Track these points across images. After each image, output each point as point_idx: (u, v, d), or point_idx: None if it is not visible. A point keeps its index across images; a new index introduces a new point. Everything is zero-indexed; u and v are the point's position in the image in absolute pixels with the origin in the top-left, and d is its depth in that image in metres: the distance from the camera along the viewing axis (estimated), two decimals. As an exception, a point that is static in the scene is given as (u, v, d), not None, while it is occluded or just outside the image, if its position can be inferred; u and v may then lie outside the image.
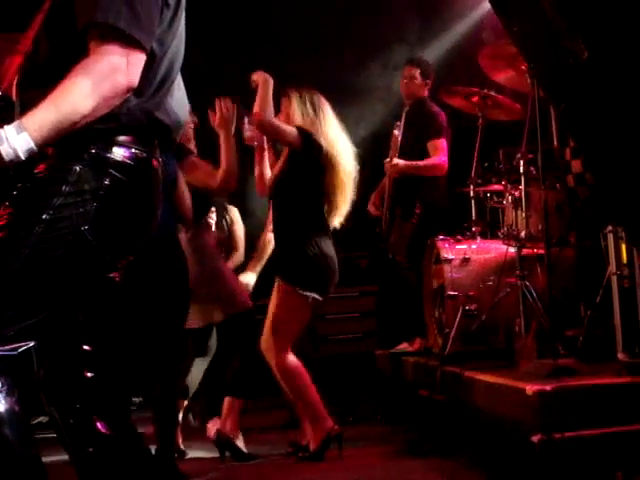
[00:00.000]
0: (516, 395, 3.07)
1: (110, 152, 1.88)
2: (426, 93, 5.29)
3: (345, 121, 4.21)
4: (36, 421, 3.83)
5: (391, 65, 6.15)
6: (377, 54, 5.68)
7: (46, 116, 1.76)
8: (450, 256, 4.49)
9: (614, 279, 3.35)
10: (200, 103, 3.60)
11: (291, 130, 4.01)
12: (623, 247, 3.29)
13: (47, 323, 1.87)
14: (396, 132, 5.11)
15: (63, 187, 1.83)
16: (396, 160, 5.07)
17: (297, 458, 3.99)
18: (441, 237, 4.59)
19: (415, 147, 5.12)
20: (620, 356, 3.26)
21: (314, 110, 4.10)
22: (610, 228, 3.38)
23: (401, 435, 4.12)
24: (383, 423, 4.65)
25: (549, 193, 3.95)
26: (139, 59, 1.83)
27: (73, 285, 1.91)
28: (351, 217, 4.23)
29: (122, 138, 1.89)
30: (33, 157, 1.79)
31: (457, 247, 4.54)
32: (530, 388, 2.95)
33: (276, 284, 4.03)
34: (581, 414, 2.88)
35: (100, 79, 1.77)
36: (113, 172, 1.87)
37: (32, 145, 1.74)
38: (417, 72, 5.26)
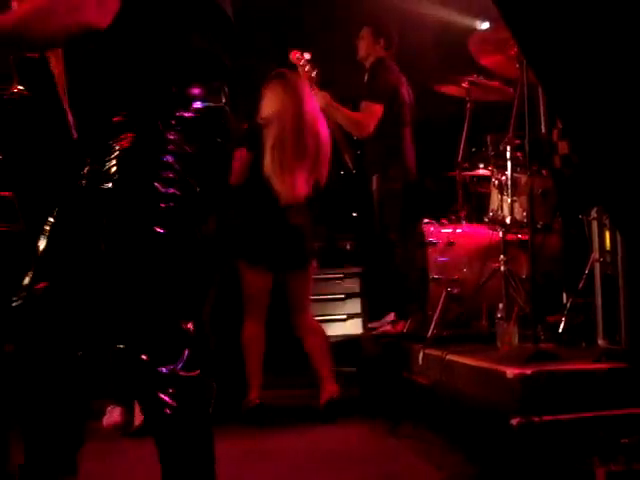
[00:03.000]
0: (497, 378, 3.10)
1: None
2: (382, 53, 5.22)
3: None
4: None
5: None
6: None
7: None
8: (435, 240, 4.51)
9: (597, 266, 3.38)
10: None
11: None
12: (607, 234, 3.32)
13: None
14: (305, 67, 4.89)
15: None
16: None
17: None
18: (426, 220, 4.61)
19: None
20: (600, 342, 3.29)
21: None
22: (594, 215, 3.40)
23: (382, 416, 4.14)
24: (365, 404, 4.68)
25: (535, 179, 3.97)
26: None
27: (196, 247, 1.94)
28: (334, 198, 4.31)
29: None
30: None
31: (442, 231, 4.56)
32: (511, 371, 2.99)
33: None
34: (560, 398, 2.91)
35: None
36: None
37: None
38: (369, 31, 5.25)
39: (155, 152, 1.84)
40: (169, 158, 1.83)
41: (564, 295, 3.93)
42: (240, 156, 4.20)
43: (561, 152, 3.99)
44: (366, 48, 5.25)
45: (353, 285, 6.24)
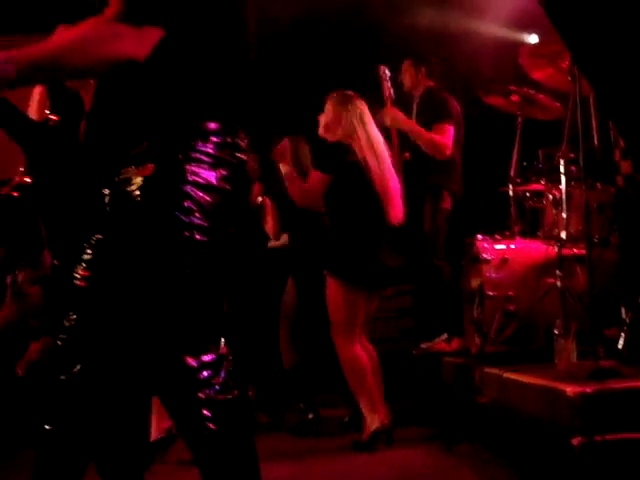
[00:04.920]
0: (556, 396, 3.05)
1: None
2: (427, 81, 5.27)
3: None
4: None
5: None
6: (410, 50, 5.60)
7: None
8: (489, 256, 4.46)
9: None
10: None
11: None
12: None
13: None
14: (387, 83, 5.03)
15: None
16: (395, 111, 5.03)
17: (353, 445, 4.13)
18: (480, 236, 4.56)
19: None
20: (662, 359, 3.22)
21: None
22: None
23: (439, 435, 4.10)
24: (415, 422, 4.65)
25: (590, 193, 3.91)
26: None
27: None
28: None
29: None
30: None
31: (496, 247, 4.50)
32: (571, 390, 2.93)
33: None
34: (623, 417, 2.84)
35: None
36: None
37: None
38: (409, 63, 5.29)
39: (176, 182, 1.88)
40: (189, 188, 1.88)
41: (622, 310, 3.85)
42: (316, 178, 4.23)
43: (624, 172, 3.91)
44: (410, 79, 5.31)
45: (405, 302, 6.20)
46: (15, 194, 3.97)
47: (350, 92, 4.43)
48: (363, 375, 4.18)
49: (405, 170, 5.25)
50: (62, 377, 1.91)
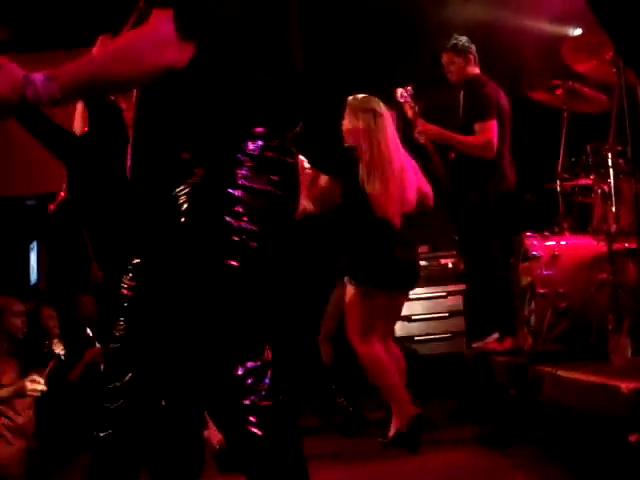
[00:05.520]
0: (611, 394, 2.99)
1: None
2: (475, 70, 5.14)
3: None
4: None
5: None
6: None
7: None
8: (539, 253, 4.40)
9: None
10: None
11: None
12: None
13: None
14: (406, 99, 5.06)
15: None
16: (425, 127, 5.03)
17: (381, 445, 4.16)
18: (529, 234, 4.51)
19: (469, 133, 5.01)
20: None
21: None
22: None
23: (492, 435, 4.07)
24: (467, 422, 4.62)
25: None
26: None
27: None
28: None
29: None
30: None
31: (546, 244, 4.44)
32: (626, 386, 2.87)
33: None
34: (680, 412, 2.79)
35: None
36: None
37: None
38: (451, 54, 5.16)
39: (224, 187, 1.87)
40: (238, 192, 1.87)
41: (677, 304, 3.78)
42: (331, 184, 4.26)
43: None
44: (457, 71, 5.16)
45: (457, 303, 6.18)
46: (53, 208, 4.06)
47: (368, 96, 4.45)
48: (383, 371, 4.24)
49: (450, 170, 5.22)
50: (114, 385, 1.94)
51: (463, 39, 5.17)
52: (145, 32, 1.79)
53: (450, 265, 6.42)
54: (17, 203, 7.63)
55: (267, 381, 1.88)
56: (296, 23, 2.05)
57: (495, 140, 4.90)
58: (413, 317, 6.08)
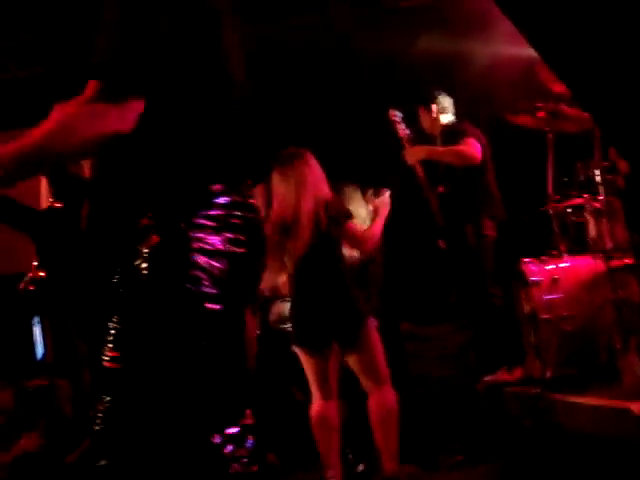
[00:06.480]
0: (623, 415, 2.91)
1: None
2: (442, 119, 5.24)
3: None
4: None
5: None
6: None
7: None
8: (538, 278, 4.33)
9: None
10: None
11: None
12: None
13: None
14: (399, 123, 5.11)
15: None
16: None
17: None
18: (526, 259, 4.44)
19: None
20: None
21: None
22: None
23: (507, 463, 3.95)
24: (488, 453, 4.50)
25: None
26: None
27: None
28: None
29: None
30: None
31: (545, 268, 4.37)
32: (637, 407, 2.80)
33: None
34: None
35: None
36: None
37: None
38: (421, 110, 5.28)
39: (180, 251, 1.83)
40: (195, 256, 1.83)
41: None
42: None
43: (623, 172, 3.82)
44: (428, 123, 5.28)
45: (464, 337, 6.07)
46: (31, 288, 4.02)
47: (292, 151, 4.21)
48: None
49: (442, 203, 5.20)
50: (102, 463, 1.87)
51: (436, 93, 5.29)
52: (83, 104, 1.78)
53: (453, 299, 6.33)
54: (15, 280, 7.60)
55: (248, 446, 1.82)
56: (234, 42, 2.02)
57: (478, 152, 4.92)
58: (423, 355, 5.97)
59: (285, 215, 4.04)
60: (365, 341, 3.99)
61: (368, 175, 5.09)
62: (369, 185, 4.47)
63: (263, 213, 4.09)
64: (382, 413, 3.99)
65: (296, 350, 4.09)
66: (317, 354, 4.02)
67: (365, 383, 4.03)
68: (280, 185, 4.09)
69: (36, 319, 7.38)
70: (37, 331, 7.50)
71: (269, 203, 4.21)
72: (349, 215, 4.09)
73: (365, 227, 4.25)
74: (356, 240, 4.15)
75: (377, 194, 4.25)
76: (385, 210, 4.20)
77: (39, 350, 7.56)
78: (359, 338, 3.97)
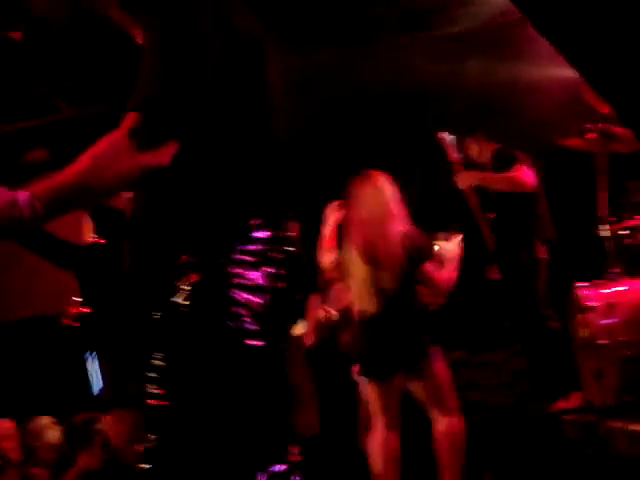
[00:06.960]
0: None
1: None
2: (492, 145, 5.22)
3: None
4: None
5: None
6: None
7: None
8: (594, 303, 4.23)
9: None
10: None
11: None
12: None
13: None
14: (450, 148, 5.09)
15: None
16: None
17: None
18: (580, 284, 4.35)
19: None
20: None
21: None
22: None
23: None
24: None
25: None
26: None
27: None
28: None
29: None
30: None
31: (600, 292, 4.28)
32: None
33: None
34: None
35: None
36: None
37: None
38: (468, 142, 5.27)
39: (220, 288, 1.82)
40: (234, 292, 1.82)
41: None
42: None
43: None
44: (476, 152, 5.27)
45: (519, 364, 5.97)
46: (76, 324, 4.03)
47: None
48: None
49: (493, 229, 5.15)
50: None
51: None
52: (121, 137, 1.76)
53: (507, 324, 6.23)
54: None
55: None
56: (277, 82, 2.01)
57: (532, 177, 4.88)
58: (481, 384, 5.88)
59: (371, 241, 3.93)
60: (429, 370, 3.94)
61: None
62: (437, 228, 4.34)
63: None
64: (448, 442, 3.94)
65: (359, 379, 4.08)
66: (382, 383, 4.00)
67: (430, 412, 3.98)
68: (362, 209, 3.99)
69: (89, 354, 7.45)
70: (92, 366, 7.57)
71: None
72: (430, 255, 4.00)
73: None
74: (432, 283, 4.06)
75: (448, 238, 4.16)
76: (457, 254, 4.13)
77: (95, 385, 7.62)
78: (423, 368, 3.93)
